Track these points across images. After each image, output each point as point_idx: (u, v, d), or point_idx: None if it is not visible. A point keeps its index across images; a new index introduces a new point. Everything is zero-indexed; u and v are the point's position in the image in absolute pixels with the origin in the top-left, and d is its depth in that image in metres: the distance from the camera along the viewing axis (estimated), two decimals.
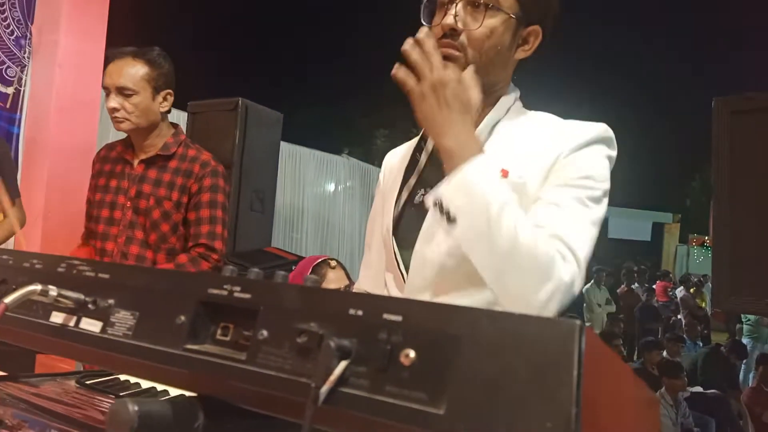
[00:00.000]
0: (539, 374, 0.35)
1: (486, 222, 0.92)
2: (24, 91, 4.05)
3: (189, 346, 0.48)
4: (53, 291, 0.55)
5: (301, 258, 4.29)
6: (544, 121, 1.15)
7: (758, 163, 2.61)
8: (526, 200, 1.03)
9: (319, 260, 2.31)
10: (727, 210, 2.69)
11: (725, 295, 2.70)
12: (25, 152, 3.93)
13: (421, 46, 0.99)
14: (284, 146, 6.28)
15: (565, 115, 1.18)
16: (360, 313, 0.42)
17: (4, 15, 3.95)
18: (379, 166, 1.42)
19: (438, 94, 0.98)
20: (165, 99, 2.12)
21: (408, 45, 0.99)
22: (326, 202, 8.03)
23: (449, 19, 1.08)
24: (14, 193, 2.79)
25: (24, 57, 4.03)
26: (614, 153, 1.09)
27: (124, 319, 0.52)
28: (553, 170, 1.05)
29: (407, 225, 1.17)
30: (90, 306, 0.55)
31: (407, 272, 1.13)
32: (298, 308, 0.45)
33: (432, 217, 1.10)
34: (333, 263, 2.30)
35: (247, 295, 0.48)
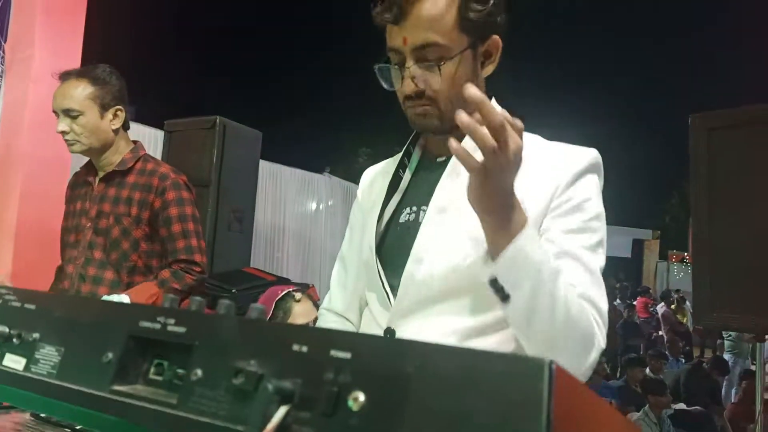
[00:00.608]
0: (504, 420, 0.31)
1: (539, 301, 0.88)
2: None
3: (116, 387, 0.43)
4: None
5: (280, 279, 4.22)
6: (533, 144, 1.11)
7: (736, 179, 2.62)
8: None
9: (283, 293, 2.18)
10: (706, 227, 2.69)
11: (706, 312, 2.68)
12: None
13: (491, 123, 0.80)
14: (264, 165, 6.22)
15: (545, 134, 1.15)
16: (305, 349, 0.37)
17: None
18: None
19: (504, 171, 0.86)
20: (115, 116, 2.06)
21: (467, 122, 0.80)
22: (307, 221, 7.96)
23: (410, 86, 1.06)
24: None
25: None
26: (602, 181, 1.10)
27: (48, 356, 0.47)
28: (554, 203, 1.03)
29: (392, 244, 1.14)
30: (14, 340, 0.50)
31: (393, 292, 1.09)
32: (236, 344, 0.40)
33: (423, 237, 1.07)
34: (298, 296, 2.17)
35: (182, 329, 0.42)
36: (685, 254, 16.89)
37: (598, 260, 1.02)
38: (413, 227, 1.11)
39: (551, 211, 1.03)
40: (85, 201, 2.11)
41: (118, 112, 2.06)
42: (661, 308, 10.66)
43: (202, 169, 4.00)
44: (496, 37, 1.10)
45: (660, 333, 9.93)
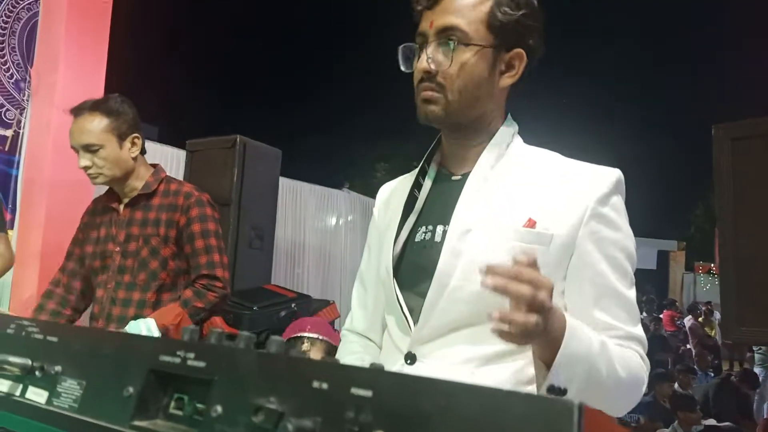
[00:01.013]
0: None
1: (592, 380, 0.94)
2: (23, 133, 4.06)
3: (137, 423, 0.43)
4: None
5: (300, 295, 4.23)
6: (555, 163, 1.12)
7: (761, 189, 2.56)
8: (554, 253, 1.02)
9: (296, 335, 2.14)
10: (732, 238, 2.64)
11: (734, 326, 2.62)
12: (24, 193, 3.93)
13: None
14: (284, 181, 6.26)
15: (568, 146, 1.16)
16: (325, 386, 0.36)
17: (4, 59, 3.98)
18: None
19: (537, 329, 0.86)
20: (133, 144, 2.09)
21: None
22: (327, 237, 7.97)
23: (423, 63, 1.08)
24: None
25: (23, 99, 4.05)
26: (624, 199, 1.11)
27: (70, 389, 0.47)
28: (585, 230, 1.03)
29: (409, 264, 1.13)
30: (37, 373, 0.50)
31: (411, 315, 1.08)
32: (256, 379, 0.39)
33: (446, 260, 1.06)
34: (306, 344, 2.10)
35: (201, 364, 0.42)
36: (712, 265, 16.54)
37: (634, 291, 1.08)
38: (429, 246, 1.10)
39: (585, 237, 1.03)
40: (111, 227, 2.14)
41: (135, 140, 2.10)
42: (688, 321, 10.43)
43: (223, 188, 4.05)
44: (521, 50, 1.10)
45: (688, 347, 9.71)
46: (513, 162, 1.12)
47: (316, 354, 2.11)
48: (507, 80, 1.12)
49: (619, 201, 1.07)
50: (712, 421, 5.09)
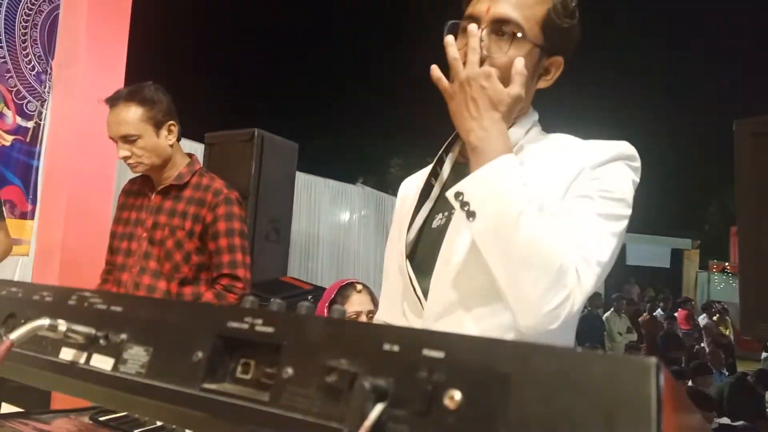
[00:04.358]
0: (608, 422, 0.31)
1: (505, 221, 0.90)
2: (44, 124, 4.11)
3: (206, 386, 0.44)
4: (62, 326, 0.51)
5: (316, 288, 4.25)
6: (564, 141, 1.13)
7: None
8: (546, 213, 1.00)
9: (346, 282, 2.29)
10: (753, 235, 2.62)
11: (753, 322, 2.61)
12: (44, 184, 3.98)
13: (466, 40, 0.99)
14: (299, 176, 6.30)
15: (584, 137, 1.16)
16: (396, 348, 0.38)
17: (26, 51, 4.04)
18: (394, 194, 1.40)
19: (465, 91, 0.96)
20: (170, 131, 2.12)
21: (448, 41, 0.98)
22: (341, 231, 8.03)
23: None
24: None
25: (44, 91, 4.11)
26: (637, 175, 1.06)
27: (137, 356, 0.49)
28: (575, 183, 1.02)
29: (424, 251, 1.14)
30: (101, 341, 0.52)
31: (425, 298, 1.10)
32: (325, 343, 0.41)
33: (451, 238, 1.07)
34: (359, 287, 2.27)
35: (270, 329, 0.44)
36: (726, 264, 16.38)
37: (606, 224, 0.98)
38: (444, 231, 1.11)
39: (570, 188, 1.01)
40: (141, 211, 2.18)
41: (172, 127, 2.12)
42: (703, 320, 10.36)
43: (241, 181, 4.07)
44: (560, 58, 1.12)
45: (702, 345, 9.64)
46: (527, 150, 1.13)
47: (364, 296, 2.25)
48: (542, 83, 1.13)
49: (619, 166, 1.03)
50: (726, 420, 5.06)
